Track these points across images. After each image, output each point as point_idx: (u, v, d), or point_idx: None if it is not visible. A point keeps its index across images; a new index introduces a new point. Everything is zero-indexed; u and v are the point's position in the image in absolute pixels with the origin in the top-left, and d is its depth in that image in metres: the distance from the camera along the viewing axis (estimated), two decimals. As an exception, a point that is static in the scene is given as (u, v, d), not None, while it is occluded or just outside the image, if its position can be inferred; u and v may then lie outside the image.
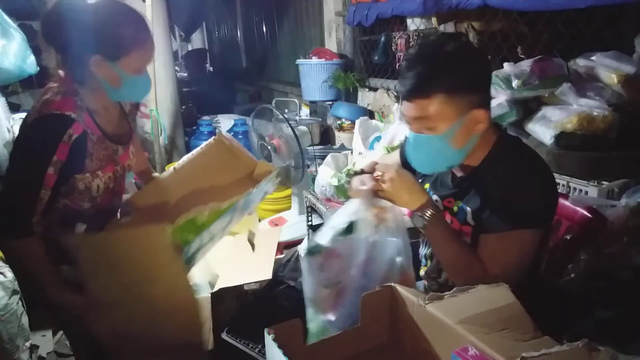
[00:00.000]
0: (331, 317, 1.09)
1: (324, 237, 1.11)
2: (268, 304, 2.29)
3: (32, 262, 1.30)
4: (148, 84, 1.40)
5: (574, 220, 1.31)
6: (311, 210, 2.21)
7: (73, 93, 1.29)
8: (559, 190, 1.51)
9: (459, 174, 1.19)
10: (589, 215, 1.28)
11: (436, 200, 1.23)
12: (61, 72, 1.33)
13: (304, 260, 1.11)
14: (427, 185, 1.30)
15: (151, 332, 1.28)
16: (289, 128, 2.61)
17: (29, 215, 1.26)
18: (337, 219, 1.12)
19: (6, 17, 2.68)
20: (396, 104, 2.50)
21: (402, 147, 1.43)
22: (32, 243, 1.27)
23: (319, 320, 1.12)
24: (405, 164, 1.31)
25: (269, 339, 0.84)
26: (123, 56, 1.26)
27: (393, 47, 2.70)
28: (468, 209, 1.13)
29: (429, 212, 1.06)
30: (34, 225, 1.26)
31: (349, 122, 3.07)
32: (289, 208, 3.12)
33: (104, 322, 1.27)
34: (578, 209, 1.31)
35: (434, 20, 2.28)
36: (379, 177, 1.10)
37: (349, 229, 1.11)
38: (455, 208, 1.18)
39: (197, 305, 1.39)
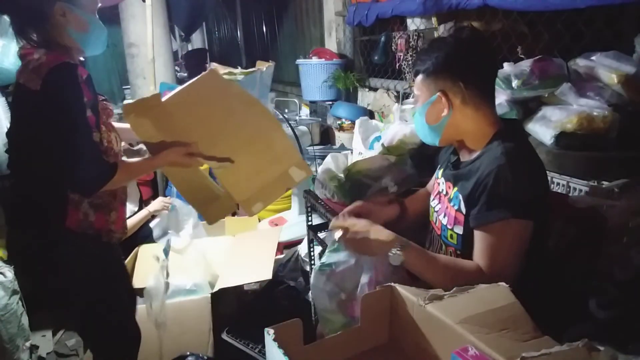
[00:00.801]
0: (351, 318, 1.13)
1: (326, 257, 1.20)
2: (268, 304, 2.29)
3: (129, 178, 1.45)
4: (105, 31, 1.48)
5: (574, 220, 1.31)
6: (311, 210, 2.20)
7: (54, 49, 1.31)
8: (559, 191, 1.52)
9: (462, 159, 1.25)
10: (589, 215, 1.28)
11: (443, 183, 1.30)
12: (25, 53, 1.32)
13: (315, 277, 1.17)
14: (441, 170, 1.36)
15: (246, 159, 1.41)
16: (289, 128, 2.62)
17: (101, 159, 1.32)
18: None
19: (6, 17, 2.68)
20: (396, 104, 2.50)
21: None
22: (119, 172, 1.32)
23: (339, 322, 1.15)
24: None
25: (269, 339, 0.84)
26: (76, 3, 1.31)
27: (393, 47, 2.70)
28: (461, 197, 1.17)
29: (396, 249, 1.09)
30: (107, 161, 1.34)
31: (349, 122, 3.07)
32: (289, 208, 3.12)
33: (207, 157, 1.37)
34: (578, 209, 1.31)
35: (434, 20, 2.28)
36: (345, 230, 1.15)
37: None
38: (451, 195, 1.22)
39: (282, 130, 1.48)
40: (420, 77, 1.20)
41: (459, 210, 1.17)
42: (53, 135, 1.26)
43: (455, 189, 1.21)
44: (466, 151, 1.24)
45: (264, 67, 2.11)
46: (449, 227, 1.21)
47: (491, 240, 1.07)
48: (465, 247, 1.17)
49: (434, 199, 1.35)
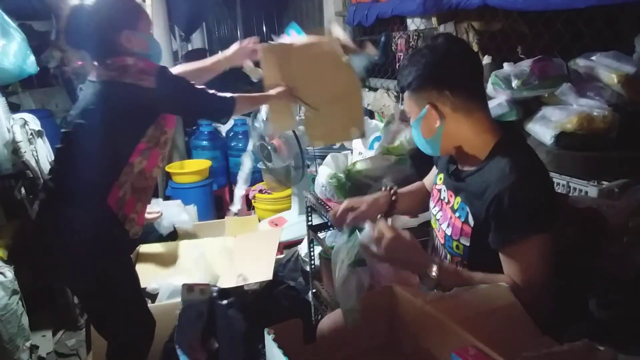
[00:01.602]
0: None
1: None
2: (268, 304, 2.29)
3: (246, 102, 1.78)
4: (160, 46, 1.77)
5: (574, 220, 1.31)
6: (311, 210, 2.20)
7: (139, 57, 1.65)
8: (559, 191, 1.52)
9: (462, 168, 1.23)
10: (589, 215, 1.28)
11: (445, 191, 1.28)
12: (114, 61, 1.59)
13: (346, 277, 1.12)
14: (440, 175, 1.35)
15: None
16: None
17: (210, 94, 1.68)
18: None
19: (6, 17, 2.67)
20: (396, 104, 2.50)
21: None
22: (239, 102, 1.72)
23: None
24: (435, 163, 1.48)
25: (269, 339, 0.84)
26: (139, 21, 1.64)
27: (393, 47, 2.70)
28: (468, 209, 1.15)
29: (434, 272, 1.07)
30: (216, 93, 1.70)
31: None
32: (289, 208, 3.12)
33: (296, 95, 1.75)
34: (578, 209, 1.31)
35: (434, 20, 2.28)
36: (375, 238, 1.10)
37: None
38: (455, 205, 1.20)
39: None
40: (406, 94, 1.20)
41: (465, 222, 1.15)
42: (185, 100, 1.67)
43: (459, 199, 1.19)
44: (466, 159, 1.21)
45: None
46: (455, 238, 1.19)
47: (520, 259, 1.06)
48: (472, 258, 1.16)
49: (434, 206, 1.34)
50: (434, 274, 1.07)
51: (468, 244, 1.16)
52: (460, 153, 1.21)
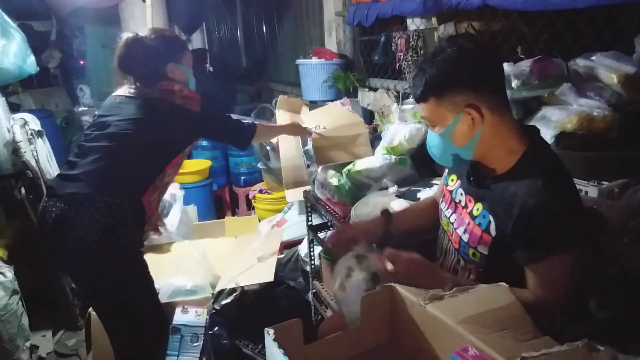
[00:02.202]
0: None
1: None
2: (268, 304, 2.29)
3: (270, 132, 2.28)
4: (194, 80, 2.02)
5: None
6: (311, 210, 2.20)
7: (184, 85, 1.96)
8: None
9: (486, 173, 1.18)
10: (589, 215, 1.28)
11: (461, 194, 1.25)
12: (138, 85, 1.87)
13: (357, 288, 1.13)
14: (453, 176, 1.31)
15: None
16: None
17: (240, 122, 2.08)
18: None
19: (6, 17, 2.68)
20: (396, 104, 2.50)
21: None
22: (258, 130, 2.08)
23: None
24: None
25: (269, 339, 0.84)
26: (182, 56, 1.92)
27: (393, 47, 2.70)
28: (491, 217, 1.12)
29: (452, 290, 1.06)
30: (247, 123, 2.08)
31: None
32: (287, 202, 3.12)
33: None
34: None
35: (434, 20, 2.28)
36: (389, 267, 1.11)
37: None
38: (475, 211, 1.17)
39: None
40: (431, 100, 1.11)
41: (486, 231, 1.12)
42: (219, 126, 2.02)
43: (480, 205, 1.16)
44: (491, 165, 1.16)
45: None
46: (472, 245, 1.16)
47: (548, 273, 1.04)
48: (488, 266, 1.14)
49: (447, 208, 1.30)
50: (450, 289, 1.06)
51: (486, 253, 1.13)
52: (487, 158, 1.15)
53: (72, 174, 1.71)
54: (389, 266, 1.10)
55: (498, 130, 1.10)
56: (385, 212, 1.42)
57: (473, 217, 1.17)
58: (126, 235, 1.71)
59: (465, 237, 1.19)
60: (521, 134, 1.13)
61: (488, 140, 1.11)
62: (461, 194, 1.25)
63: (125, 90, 1.87)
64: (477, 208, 1.17)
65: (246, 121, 2.05)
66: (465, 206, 1.22)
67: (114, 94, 1.90)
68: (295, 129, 2.20)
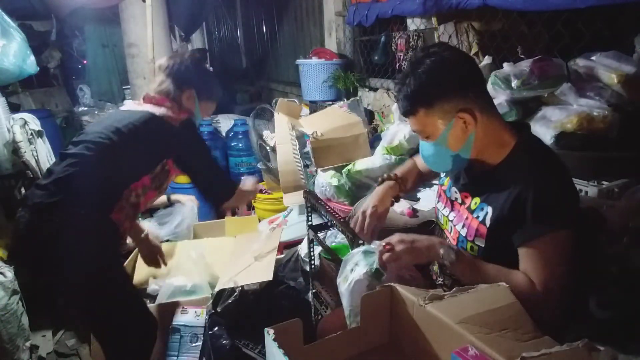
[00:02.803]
0: None
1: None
2: (268, 304, 2.29)
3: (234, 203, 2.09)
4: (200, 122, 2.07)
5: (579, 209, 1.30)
6: (311, 210, 2.20)
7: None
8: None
9: (476, 169, 1.21)
10: (589, 215, 1.28)
11: (455, 192, 1.27)
12: (153, 95, 1.82)
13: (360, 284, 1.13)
14: (447, 180, 1.34)
15: None
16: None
17: (226, 177, 1.94)
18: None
19: (6, 17, 2.68)
20: (396, 104, 2.50)
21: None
22: (240, 191, 1.97)
23: None
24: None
25: (269, 339, 0.84)
26: (204, 101, 1.90)
27: (393, 47, 2.70)
28: (489, 208, 1.14)
29: (441, 250, 1.10)
30: (233, 181, 1.99)
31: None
32: (285, 207, 3.11)
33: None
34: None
35: (434, 20, 2.28)
36: (388, 247, 1.13)
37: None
38: (473, 205, 1.19)
39: None
40: (420, 112, 1.13)
41: (482, 222, 1.14)
42: (194, 161, 1.86)
43: (477, 199, 1.18)
44: (484, 160, 1.18)
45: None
46: (469, 239, 1.18)
47: (540, 255, 1.05)
48: (486, 259, 1.15)
49: (444, 207, 1.33)
50: (446, 248, 1.09)
51: (483, 245, 1.15)
52: (481, 155, 1.18)
53: (42, 184, 1.64)
54: (385, 254, 1.12)
55: (489, 128, 1.13)
56: (389, 177, 1.46)
57: (471, 211, 1.19)
58: (91, 249, 1.59)
59: (463, 232, 1.21)
60: (510, 128, 1.17)
61: (482, 139, 1.14)
62: (455, 192, 1.27)
63: (136, 105, 1.85)
64: (475, 202, 1.19)
65: (230, 184, 1.93)
66: (462, 202, 1.24)
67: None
68: (252, 192, 2.08)
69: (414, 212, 1.79)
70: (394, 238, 1.14)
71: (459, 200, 1.25)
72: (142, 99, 1.83)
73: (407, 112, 1.15)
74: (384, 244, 1.14)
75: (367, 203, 1.38)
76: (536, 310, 0.94)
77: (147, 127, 1.71)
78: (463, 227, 1.21)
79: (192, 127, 1.83)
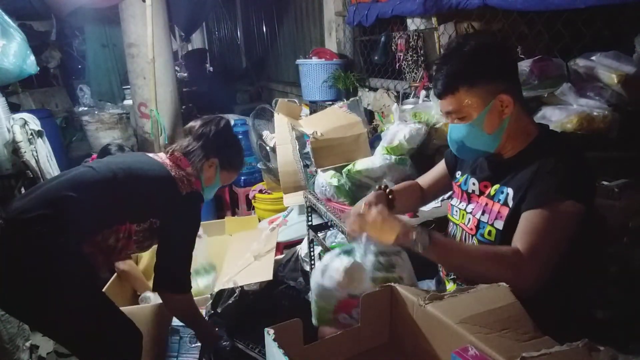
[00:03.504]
0: None
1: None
2: (268, 304, 2.29)
3: (192, 311, 1.76)
4: (210, 195, 1.91)
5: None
6: (311, 210, 2.20)
7: (199, 178, 1.77)
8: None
9: (498, 157, 1.24)
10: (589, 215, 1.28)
11: (473, 183, 1.29)
12: (177, 153, 1.76)
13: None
14: (458, 172, 1.36)
15: None
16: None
17: (188, 273, 1.70)
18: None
19: (6, 17, 2.68)
20: (396, 104, 2.50)
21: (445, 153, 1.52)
22: (190, 296, 1.73)
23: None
24: (450, 163, 1.47)
25: (269, 339, 0.84)
26: (226, 171, 1.84)
27: (393, 47, 2.70)
28: (509, 189, 1.16)
29: (414, 234, 1.09)
30: (190, 282, 1.72)
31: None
32: (285, 207, 3.12)
33: None
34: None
35: (434, 20, 2.28)
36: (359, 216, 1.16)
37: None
38: (493, 192, 1.21)
39: None
40: (462, 90, 1.14)
41: (504, 204, 1.16)
42: (175, 237, 1.67)
43: (497, 186, 1.20)
44: (509, 147, 1.21)
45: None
46: (489, 222, 1.19)
47: (535, 220, 1.05)
48: (503, 242, 1.15)
49: (460, 202, 1.33)
50: (414, 238, 1.08)
51: (501, 228, 1.15)
52: (507, 142, 1.20)
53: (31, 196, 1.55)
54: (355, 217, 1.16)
55: (520, 116, 1.17)
56: (386, 187, 1.44)
57: (491, 197, 1.21)
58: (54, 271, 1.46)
59: (484, 218, 1.21)
60: (532, 120, 1.23)
61: (513, 126, 1.17)
62: (473, 184, 1.28)
63: (154, 155, 1.79)
64: (495, 188, 1.21)
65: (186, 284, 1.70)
66: (481, 193, 1.26)
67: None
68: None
69: (414, 213, 1.79)
70: (376, 208, 1.14)
71: (477, 192, 1.27)
72: (167, 153, 1.78)
73: (447, 89, 1.15)
74: (363, 203, 1.18)
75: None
76: (512, 274, 0.97)
77: (156, 182, 1.65)
78: (483, 213, 1.22)
79: (196, 203, 1.71)
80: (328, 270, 1.18)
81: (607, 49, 1.57)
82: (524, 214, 1.09)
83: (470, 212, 1.27)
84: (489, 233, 1.18)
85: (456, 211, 1.34)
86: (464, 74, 1.13)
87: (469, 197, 1.29)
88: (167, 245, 1.66)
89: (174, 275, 1.66)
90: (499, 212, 1.17)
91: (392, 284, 1.03)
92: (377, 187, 1.46)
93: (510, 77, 1.16)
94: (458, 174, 1.39)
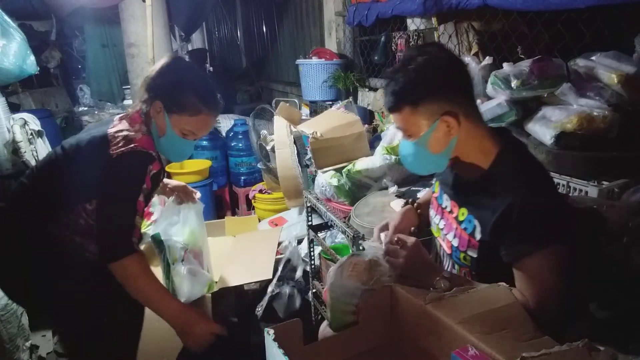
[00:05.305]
0: None
1: None
2: (268, 304, 2.29)
3: (141, 276, 1.40)
4: (186, 151, 1.59)
5: (574, 220, 1.31)
6: (311, 210, 2.20)
7: (150, 133, 1.48)
8: (559, 191, 1.52)
9: (465, 177, 1.19)
10: (589, 215, 1.28)
11: (446, 199, 1.26)
12: (131, 111, 1.51)
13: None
14: (437, 182, 1.33)
15: None
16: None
17: (129, 237, 1.40)
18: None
19: (6, 17, 2.68)
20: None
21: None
22: (138, 257, 1.39)
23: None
24: None
25: (269, 339, 0.84)
26: (176, 114, 1.46)
27: (393, 47, 2.70)
28: (476, 222, 1.12)
29: (442, 284, 1.08)
30: (134, 244, 1.41)
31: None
32: (289, 208, 3.12)
33: None
34: (578, 209, 1.31)
35: (434, 20, 2.28)
36: (396, 249, 1.15)
37: None
38: (461, 216, 1.18)
39: None
40: (405, 109, 1.10)
41: (472, 235, 1.13)
42: (101, 201, 1.42)
43: (464, 210, 1.16)
44: (468, 168, 1.16)
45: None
46: (462, 249, 1.17)
47: (529, 273, 1.03)
48: (480, 269, 1.15)
49: (436, 215, 1.31)
50: (442, 286, 1.06)
51: (476, 256, 1.14)
52: (463, 163, 1.16)
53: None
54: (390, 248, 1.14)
55: (473, 135, 1.11)
56: (412, 202, 1.43)
57: (459, 222, 1.18)
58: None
59: (455, 242, 1.19)
60: (494, 135, 1.14)
61: (464, 145, 1.12)
62: (446, 199, 1.26)
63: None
64: (462, 213, 1.17)
65: (129, 247, 1.39)
66: (451, 211, 1.22)
67: None
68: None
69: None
70: (410, 241, 1.14)
71: (448, 209, 1.24)
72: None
73: (392, 108, 1.13)
74: (395, 238, 1.15)
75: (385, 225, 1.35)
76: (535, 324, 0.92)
77: (88, 149, 1.43)
78: (454, 237, 1.20)
79: (131, 165, 1.40)
80: (346, 268, 1.15)
81: (607, 49, 1.57)
82: (514, 268, 1.06)
83: (443, 229, 1.26)
84: (465, 258, 1.17)
85: (434, 224, 1.33)
86: (407, 93, 1.08)
87: (442, 213, 1.27)
88: (100, 210, 1.41)
89: (108, 239, 1.39)
90: (469, 240, 1.14)
91: (392, 284, 1.03)
92: (404, 202, 1.44)
93: (459, 94, 1.09)
94: (437, 184, 1.35)
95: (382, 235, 1.25)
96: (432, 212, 1.34)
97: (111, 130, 1.42)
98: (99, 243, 1.42)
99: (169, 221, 1.81)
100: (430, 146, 1.12)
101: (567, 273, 1.04)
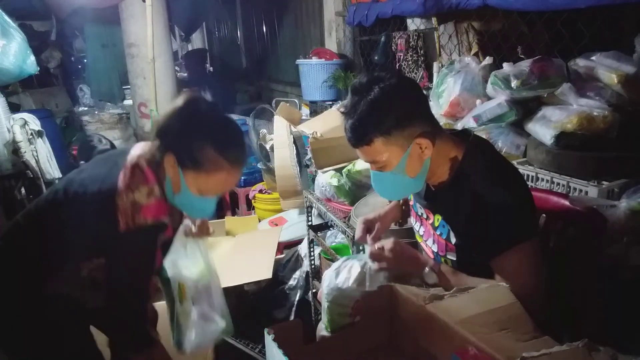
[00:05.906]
0: None
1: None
2: (268, 304, 2.29)
3: None
4: (207, 210, 1.32)
5: (574, 220, 1.31)
6: (311, 210, 2.20)
7: (162, 192, 1.24)
8: (559, 191, 1.52)
9: (433, 185, 1.21)
10: (589, 215, 1.28)
11: (419, 207, 1.28)
12: (144, 153, 1.27)
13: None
14: (411, 195, 1.35)
15: None
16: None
17: (145, 324, 1.28)
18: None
19: (6, 17, 2.68)
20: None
21: None
22: (158, 351, 1.29)
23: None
24: None
25: (269, 339, 0.84)
26: (192, 170, 1.21)
27: (393, 47, 2.70)
28: (448, 227, 1.15)
29: (428, 268, 1.12)
30: (152, 332, 1.30)
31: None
32: (283, 209, 3.12)
33: None
34: (578, 209, 1.31)
35: (434, 20, 2.28)
36: (380, 249, 1.16)
37: None
38: (436, 222, 1.20)
39: None
40: (377, 141, 1.07)
41: (447, 240, 1.16)
42: (112, 280, 1.25)
43: (438, 216, 1.19)
44: (435, 177, 1.17)
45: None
46: (441, 254, 1.19)
47: (509, 268, 1.05)
48: (463, 270, 1.16)
49: (415, 222, 1.34)
50: (430, 269, 1.11)
51: (455, 259, 1.16)
52: (432, 173, 1.16)
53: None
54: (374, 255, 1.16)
55: (440, 148, 1.12)
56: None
57: (435, 228, 1.20)
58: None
59: (434, 248, 1.22)
60: (457, 141, 1.15)
61: (435, 161, 1.13)
62: (420, 208, 1.28)
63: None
64: (437, 219, 1.20)
65: (147, 336, 1.28)
66: (427, 218, 1.25)
67: None
68: None
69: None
70: (388, 244, 1.15)
71: (425, 216, 1.26)
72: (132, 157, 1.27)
73: (361, 141, 1.08)
74: (376, 246, 1.17)
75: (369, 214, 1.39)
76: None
77: (94, 205, 1.21)
78: (433, 242, 1.22)
79: (140, 242, 1.21)
80: (342, 271, 1.18)
81: (607, 49, 1.57)
82: (493, 267, 1.09)
83: (422, 236, 1.28)
84: (446, 262, 1.20)
85: (415, 231, 1.36)
86: (376, 125, 1.06)
87: (420, 220, 1.30)
88: (114, 292, 1.25)
89: (128, 328, 1.26)
90: (446, 245, 1.17)
91: (392, 283, 1.03)
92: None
93: (422, 115, 1.10)
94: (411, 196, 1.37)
95: (368, 238, 1.28)
96: (412, 219, 1.37)
97: (121, 185, 1.18)
98: (115, 330, 1.31)
99: (176, 254, 1.49)
100: (407, 171, 1.11)
101: (539, 266, 1.06)
